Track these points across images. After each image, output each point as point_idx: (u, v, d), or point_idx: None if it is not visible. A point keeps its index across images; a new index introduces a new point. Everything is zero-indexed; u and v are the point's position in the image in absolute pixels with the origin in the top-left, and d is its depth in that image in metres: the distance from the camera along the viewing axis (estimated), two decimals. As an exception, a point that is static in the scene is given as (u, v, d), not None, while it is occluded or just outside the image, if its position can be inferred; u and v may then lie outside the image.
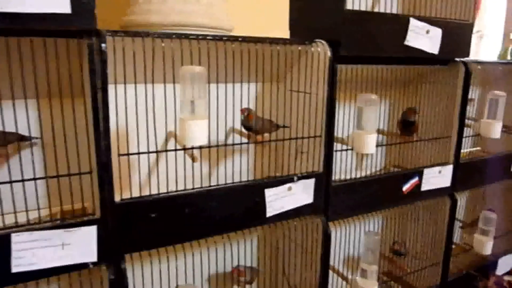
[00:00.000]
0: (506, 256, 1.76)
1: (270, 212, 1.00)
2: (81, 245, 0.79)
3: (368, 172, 1.41)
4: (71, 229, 0.77)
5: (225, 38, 0.90)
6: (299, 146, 1.11)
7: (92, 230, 0.79)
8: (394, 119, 1.42)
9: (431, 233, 1.46)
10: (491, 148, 1.63)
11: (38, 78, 0.75)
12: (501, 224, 1.73)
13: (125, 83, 0.80)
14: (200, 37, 0.87)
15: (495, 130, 1.39)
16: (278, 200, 1.01)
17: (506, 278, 1.73)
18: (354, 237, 1.31)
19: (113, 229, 0.82)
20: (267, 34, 0.97)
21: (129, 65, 0.81)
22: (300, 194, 1.05)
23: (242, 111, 1.03)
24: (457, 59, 1.30)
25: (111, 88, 0.77)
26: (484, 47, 3.02)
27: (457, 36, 1.23)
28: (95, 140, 0.76)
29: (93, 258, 0.80)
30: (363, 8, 1.05)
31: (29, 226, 0.75)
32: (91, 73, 0.74)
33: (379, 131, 1.32)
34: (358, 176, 1.18)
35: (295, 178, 1.03)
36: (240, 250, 1.12)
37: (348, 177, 1.16)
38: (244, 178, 0.98)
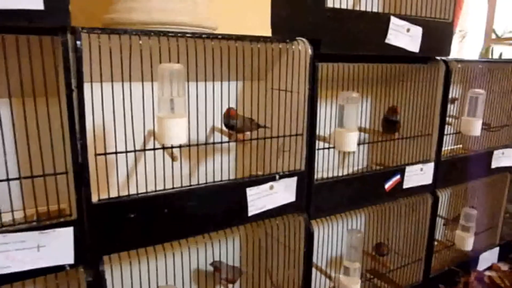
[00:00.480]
0: (487, 252, 1.79)
1: (252, 211, 0.99)
2: (57, 247, 0.77)
3: (351, 170, 1.42)
4: (46, 231, 0.76)
5: (205, 35, 0.89)
6: (281, 145, 1.11)
7: (69, 232, 0.78)
8: (376, 117, 1.42)
9: (414, 230, 1.47)
10: (472, 145, 1.66)
11: (11, 77, 0.73)
12: (483, 220, 1.75)
13: (101, 81, 0.79)
14: (179, 34, 0.85)
15: (475, 127, 1.41)
16: (260, 199, 1.00)
17: (487, 273, 1.75)
18: (337, 235, 1.32)
19: (91, 230, 0.80)
20: (252, 33, 0.96)
21: (106, 63, 0.79)
22: (282, 192, 1.04)
23: (226, 113, 1.02)
24: (437, 57, 1.31)
25: (87, 87, 0.75)
26: (467, 46, 3.07)
27: (438, 34, 1.24)
28: (71, 140, 0.75)
29: (70, 260, 0.79)
30: (344, 6, 1.05)
31: (3, 228, 0.73)
32: (66, 71, 0.72)
33: (361, 129, 1.32)
34: (341, 174, 1.19)
35: (277, 176, 1.02)
36: (222, 250, 1.11)
37: (330, 175, 1.17)
38: (226, 177, 0.97)
